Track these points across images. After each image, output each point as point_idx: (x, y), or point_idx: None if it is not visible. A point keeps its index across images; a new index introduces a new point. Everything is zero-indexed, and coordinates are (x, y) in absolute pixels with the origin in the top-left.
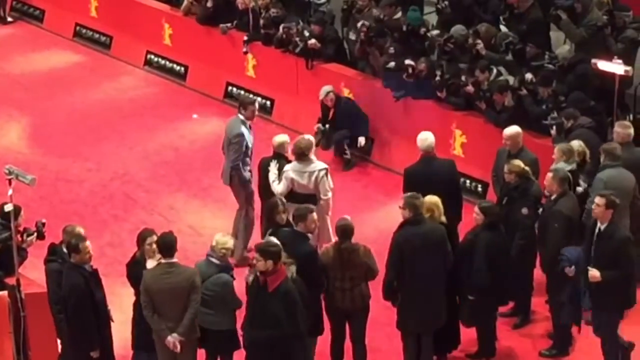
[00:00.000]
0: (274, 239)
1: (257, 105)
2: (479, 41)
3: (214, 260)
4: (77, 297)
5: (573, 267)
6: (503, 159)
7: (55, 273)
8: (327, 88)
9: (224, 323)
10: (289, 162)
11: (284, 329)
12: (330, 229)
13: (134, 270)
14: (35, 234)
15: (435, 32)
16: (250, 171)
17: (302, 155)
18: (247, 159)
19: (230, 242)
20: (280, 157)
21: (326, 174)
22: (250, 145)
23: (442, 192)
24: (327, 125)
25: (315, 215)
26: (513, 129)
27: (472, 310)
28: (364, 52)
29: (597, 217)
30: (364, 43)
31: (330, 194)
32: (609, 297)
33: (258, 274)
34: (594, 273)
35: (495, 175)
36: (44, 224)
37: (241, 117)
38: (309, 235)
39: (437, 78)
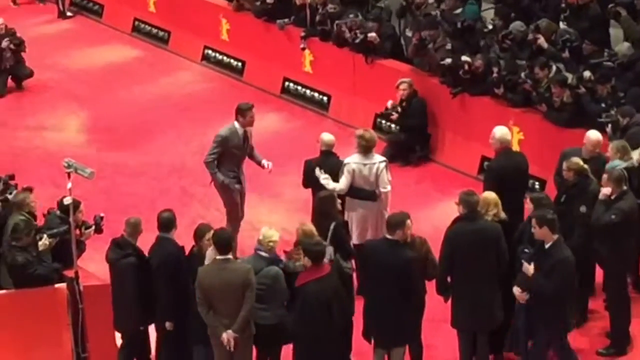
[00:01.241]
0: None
1: (254, 110)
2: (539, 35)
3: (262, 253)
4: (171, 263)
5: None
6: None
7: (133, 267)
8: (403, 79)
9: (275, 317)
10: (338, 159)
11: (290, 327)
12: None
13: (191, 265)
14: (93, 227)
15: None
16: (235, 177)
17: (369, 149)
18: (235, 166)
19: (276, 235)
20: (329, 154)
21: (386, 167)
22: (237, 152)
23: (520, 184)
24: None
25: (410, 221)
26: (597, 136)
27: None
28: (417, 55)
29: (538, 238)
30: (417, 47)
31: (389, 187)
32: (542, 320)
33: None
34: (517, 291)
35: (558, 176)
36: (102, 218)
37: (236, 124)
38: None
39: (495, 74)
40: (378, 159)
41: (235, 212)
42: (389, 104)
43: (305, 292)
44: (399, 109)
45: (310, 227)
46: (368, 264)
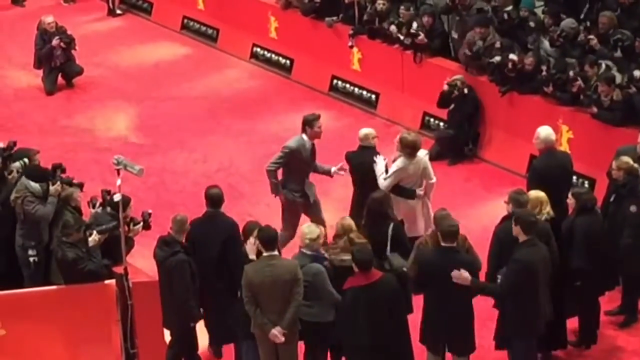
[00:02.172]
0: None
1: (321, 120)
2: (592, 36)
3: (305, 251)
4: (238, 234)
5: None
6: None
7: (183, 264)
8: (455, 76)
9: (320, 314)
10: (375, 155)
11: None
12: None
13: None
14: (141, 224)
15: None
16: (300, 191)
17: (414, 151)
18: (301, 180)
19: (314, 233)
20: (364, 149)
21: (428, 159)
22: (304, 166)
23: (564, 183)
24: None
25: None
26: None
27: (576, 296)
28: (471, 64)
29: (514, 235)
30: (471, 58)
31: (435, 178)
32: (515, 323)
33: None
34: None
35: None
36: (150, 214)
37: (304, 136)
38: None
39: (544, 73)
40: (421, 154)
41: (290, 225)
42: (446, 85)
43: (347, 296)
44: (465, 90)
45: (350, 222)
46: (428, 274)
